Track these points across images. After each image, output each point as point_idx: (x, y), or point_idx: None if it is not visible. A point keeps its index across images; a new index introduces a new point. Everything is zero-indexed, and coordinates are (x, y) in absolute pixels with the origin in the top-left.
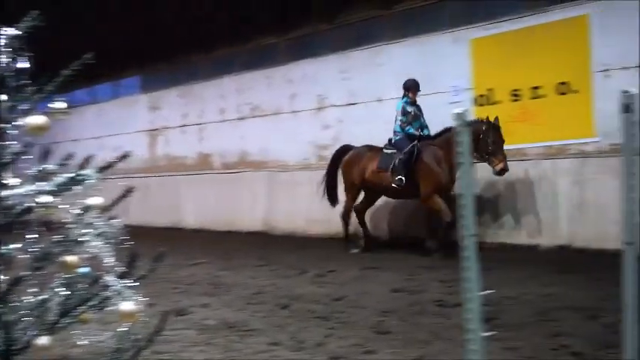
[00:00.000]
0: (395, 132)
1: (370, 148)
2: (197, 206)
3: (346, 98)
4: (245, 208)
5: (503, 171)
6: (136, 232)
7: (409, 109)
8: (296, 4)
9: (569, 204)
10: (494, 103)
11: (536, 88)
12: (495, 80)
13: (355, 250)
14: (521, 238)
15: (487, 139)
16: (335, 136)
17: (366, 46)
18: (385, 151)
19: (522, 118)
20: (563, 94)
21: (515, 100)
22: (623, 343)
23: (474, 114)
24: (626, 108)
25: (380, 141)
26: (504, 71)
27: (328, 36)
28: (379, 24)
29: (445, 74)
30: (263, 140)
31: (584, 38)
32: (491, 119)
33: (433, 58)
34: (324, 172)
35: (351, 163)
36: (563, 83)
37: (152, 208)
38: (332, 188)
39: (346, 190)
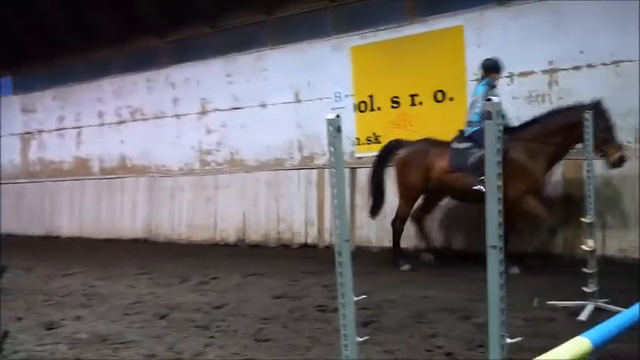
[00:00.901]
0: (471, 122)
1: (434, 143)
2: (74, 213)
3: (230, 102)
4: (126, 214)
5: (621, 161)
6: (7, 241)
7: (491, 93)
8: (177, 6)
9: None
10: (374, 110)
11: (414, 95)
12: (376, 87)
13: (406, 267)
14: None
15: (597, 126)
16: (219, 140)
17: (249, 51)
18: (456, 146)
19: (401, 124)
20: (439, 101)
21: (395, 107)
22: (488, 343)
23: (354, 120)
24: (488, 115)
25: (263, 145)
26: (384, 78)
27: (211, 39)
28: (262, 29)
29: (327, 80)
30: (144, 145)
31: (459, 48)
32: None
33: (315, 65)
34: (212, 177)
35: (409, 162)
36: (439, 91)
37: (26, 216)
38: (379, 194)
39: (401, 194)
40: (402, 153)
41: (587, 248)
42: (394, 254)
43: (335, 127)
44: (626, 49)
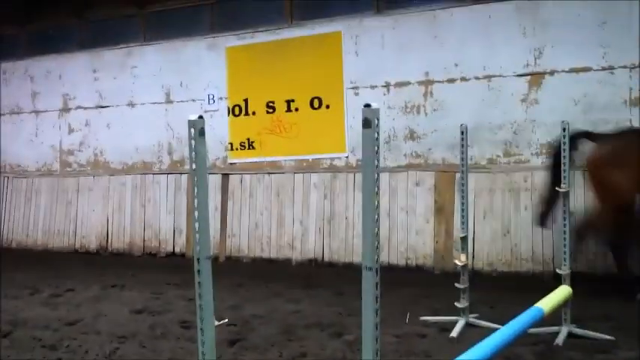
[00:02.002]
0: None
1: None
2: None
3: (95, 100)
4: None
5: None
6: None
7: None
8: None
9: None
10: (249, 114)
11: (290, 100)
12: (251, 90)
13: None
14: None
15: None
16: (82, 140)
17: (118, 46)
18: None
19: (276, 129)
20: (315, 108)
21: (270, 112)
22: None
23: (227, 124)
24: (367, 123)
25: (130, 147)
26: (260, 82)
27: (77, 31)
28: (133, 23)
29: (201, 81)
30: None
31: (336, 54)
32: None
33: (189, 64)
34: (73, 180)
35: (611, 160)
36: (316, 97)
37: None
38: (551, 199)
39: (605, 200)
40: (596, 149)
41: (459, 263)
42: (622, 276)
43: (198, 130)
44: (496, 64)
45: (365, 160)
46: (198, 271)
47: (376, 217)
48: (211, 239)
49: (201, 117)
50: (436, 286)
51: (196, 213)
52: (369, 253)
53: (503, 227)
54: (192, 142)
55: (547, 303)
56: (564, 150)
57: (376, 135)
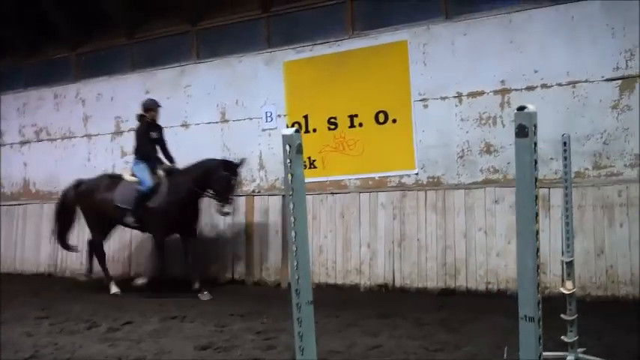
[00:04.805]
0: None
1: None
2: None
3: None
4: (30, 245)
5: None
6: None
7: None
8: (91, 13)
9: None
10: (309, 131)
11: (353, 116)
12: (311, 107)
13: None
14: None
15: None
16: None
17: (171, 65)
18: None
19: (339, 147)
20: (381, 123)
21: (332, 129)
22: None
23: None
24: (522, 131)
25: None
26: (321, 97)
27: (128, 51)
28: (186, 40)
29: (257, 99)
30: (51, 168)
31: (403, 65)
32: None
33: (245, 81)
34: None
35: None
36: (381, 112)
37: None
38: None
39: None
40: None
41: (565, 291)
42: None
43: (295, 146)
44: (583, 69)
45: (520, 178)
46: (299, 319)
47: (535, 249)
48: (273, 264)
49: (297, 131)
50: None
51: (295, 249)
52: (529, 298)
53: (596, 247)
54: (288, 161)
55: None
56: None
57: (534, 145)
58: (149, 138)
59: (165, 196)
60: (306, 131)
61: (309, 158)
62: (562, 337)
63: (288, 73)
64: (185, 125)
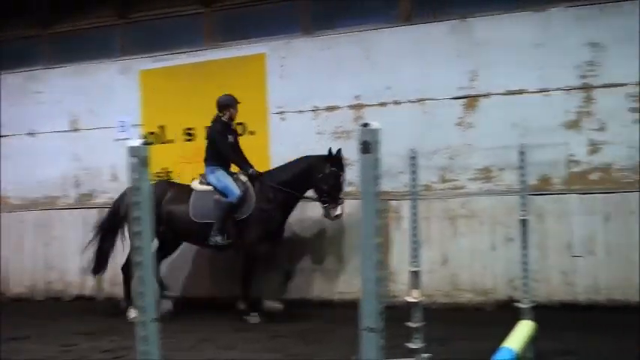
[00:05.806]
0: None
1: None
2: None
3: None
4: None
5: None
6: None
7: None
8: None
9: None
10: (165, 142)
11: None
12: (168, 117)
13: None
14: None
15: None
16: None
17: (18, 69)
18: None
19: (195, 159)
20: (239, 135)
21: (190, 140)
22: None
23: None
24: (366, 147)
25: (31, 181)
26: (178, 108)
27: None
28: (37, 45)
29: (111, 107)
30: None
31: (261, 78)
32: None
33: (98, 89)
34: None
35: None
36: (239, 124)
37: None
38: None
39: None
40: None
41: (411, 300)
42: None
43: (141, 159)
44: (431, 87)
45: (364, 193)
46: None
47: (377, 262)
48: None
49: (147, 143)
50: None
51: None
52: (371, 310)
53: (441, 256)
54: (134, 173)
55: (514, 342)
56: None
57: (377, 161)
58: (228, 141)
59: (257, 205)
60: (162, 142)
61: (165, 169)
62: (407, 344)
63: (144, 82)
64: (32, 133)
